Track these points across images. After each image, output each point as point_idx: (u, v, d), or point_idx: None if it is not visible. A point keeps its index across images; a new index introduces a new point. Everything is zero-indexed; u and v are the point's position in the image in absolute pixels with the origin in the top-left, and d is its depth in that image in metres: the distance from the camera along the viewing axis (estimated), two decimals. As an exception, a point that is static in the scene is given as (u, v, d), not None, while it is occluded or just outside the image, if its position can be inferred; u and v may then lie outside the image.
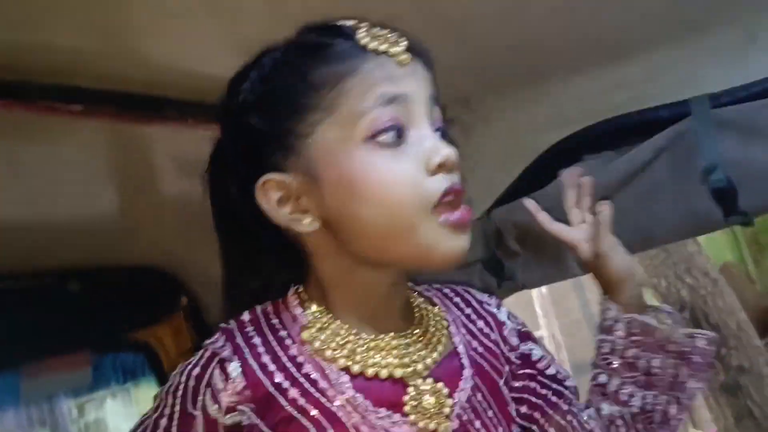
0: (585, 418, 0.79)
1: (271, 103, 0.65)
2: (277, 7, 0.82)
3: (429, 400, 0.66)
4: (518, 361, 0.76)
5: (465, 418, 0.67)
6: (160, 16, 0.80)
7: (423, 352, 0.68)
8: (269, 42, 0.70)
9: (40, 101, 0.76)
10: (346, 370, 0.65)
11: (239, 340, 0.65)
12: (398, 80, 0.63)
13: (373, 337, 0.67)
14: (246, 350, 0.64)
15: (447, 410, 0.66)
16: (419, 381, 0.66)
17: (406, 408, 0.65)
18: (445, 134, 0.66)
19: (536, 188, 1.08)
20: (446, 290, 0.79)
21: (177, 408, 0.65)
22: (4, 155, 0.92)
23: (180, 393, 0.65)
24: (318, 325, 0.66)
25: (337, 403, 0.63)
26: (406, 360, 0.66)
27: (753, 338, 3.22)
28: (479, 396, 0.70)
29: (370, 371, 0.65)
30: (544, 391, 0.77)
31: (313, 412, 0.63)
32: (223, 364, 0.64)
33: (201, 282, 1.59)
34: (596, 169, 1.03)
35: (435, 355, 0.68)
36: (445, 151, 0.62)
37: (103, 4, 0.74)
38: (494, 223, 1.11)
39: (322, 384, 0.64)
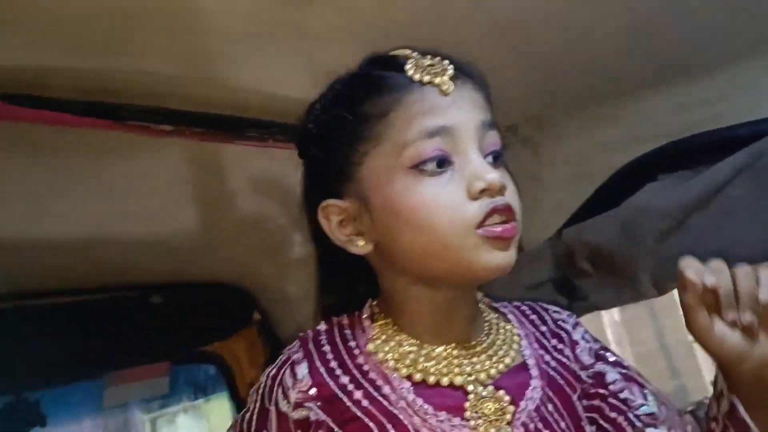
0: None
1: (329, 134, 0.71)
2: (352, 31, 0.85)
3: (490, 406, 0.68)
4: (591, 380, 0.76)
5: (532, 426, 0.68)
6: (240, 42, 0.84)
7: (487, 363, 0.71)
8: (345, 66, 0.73)
9: (132, 121, 0.81)
10: (408, 378, 0.69)
11: (311, 346, 0.72)
12: (443, 111, 0.67)
13: (435, 347, 0.71)
14: (315, 355, 0.71)
15: (508, 417, 0.68)
16: (480, 388, 0.69)
17: (467, 413, 0.67)
18: (499, 158, 0.69)
19: (609, 208, 1.07)
20: (523, 307, 0.82)
21: (257, 404, 0.72)
22: (100, 173, 0.99)
23: (260, 391, 0.72)
24: (384, 337, 0.72)
25: (399, 405, 0.67)
26: (468, 369, 0.70)
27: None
28: (550, 407, 0.71)
29: (432, 379, 0.69)
30: (613, 415, 0.75)
31: (376, 414, 0.67)
32: (293, 366, 0.70)
33: (273, 298, 1.64)
34: (672, 189, 1.02)
35: (501, 366, 0.71)
36: (490, 177, 0.65)
37: (187, 31, 0.79)
38: (565, 243, 1.10)
39: (386, 390, 0.68)
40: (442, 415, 0.67)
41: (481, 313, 0.77)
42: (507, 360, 0.72)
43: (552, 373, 0.74)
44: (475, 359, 0.71)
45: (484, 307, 0.78)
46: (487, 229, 0.65)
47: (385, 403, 0.68)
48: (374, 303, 0.76)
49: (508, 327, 0.77)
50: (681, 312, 0.68)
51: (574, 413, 0.73)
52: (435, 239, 0.66)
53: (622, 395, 0.76)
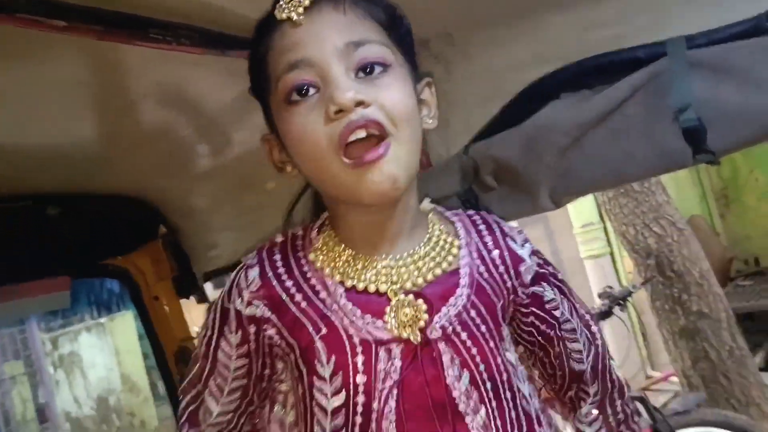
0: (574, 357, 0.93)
1: (251, 74, 0.82)
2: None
3: (406, 312, 0.78)
4: (527, 299, 0.88)
5: (450, 329, 0.78)
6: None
7: (416, 273, 0.80)
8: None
9: (22, 14, 0.75)
10: (341, 284, 0.79)
11: (264, 254, 0.84)
12: (298, 43, 0.73)
13: (368, 258, 0.80)
14: (266, 261, 0.82)
15: (422, 323, 0.78)
16: (402, 296, 0.78)
17: (386, 317, 0.78)
18: (373, 70, 0.72)
19: (515, 124, 1.10)
20: (475, 217, 0.91)
21: (219, 305, 0.84)
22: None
23: (222, 294, 0.84)
24: (325, 248, 0.82)
25: (333, 307, 0.78)
26: (395, 278, 0.79)
27: (714, 286, 3.33)
28: (473, 312, 0.81)
29: (361, 285, 0.79)
30: (545, 328, 0.90)
31: (312, 314, 0.78)
32: (247, 270, 0.82)
33: (180, 211, 1.61)
34: (573, 107, 1.06)
35: (429, 276, 0.80)
36: (339, 95, 0.69)
37: None
38: (472, 158, 1.14)
39: (322, 294, 0.80)
40: (367, 317, 0.77)
41: (422, 223, 0.85)
42: (438, 270, 0.81)
43: (482, 282, 0.83)
44: (403, 269, 0.80)
45: (432, 217, 0.87)
46: (352, 156, 0.70)
47: (321, 305, 0.79)
48: (326, 217, 0.86)
49: (450, 239, 0.85)
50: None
51: (496, 320, 0.83)
52: (312, 168, 0.74)
53: (555, 312, 0.90)
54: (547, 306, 0.89)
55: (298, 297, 0.79)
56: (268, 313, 0.80)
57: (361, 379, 0.76)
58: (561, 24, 1.04)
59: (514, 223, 0.97)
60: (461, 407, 0.77)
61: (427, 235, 0.84)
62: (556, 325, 0.90)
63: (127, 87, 1.13)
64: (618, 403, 0.96)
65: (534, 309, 0.89)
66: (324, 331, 0.77)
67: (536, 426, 0.83)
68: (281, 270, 0.81)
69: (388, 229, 0.80)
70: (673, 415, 2.43)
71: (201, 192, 1.55)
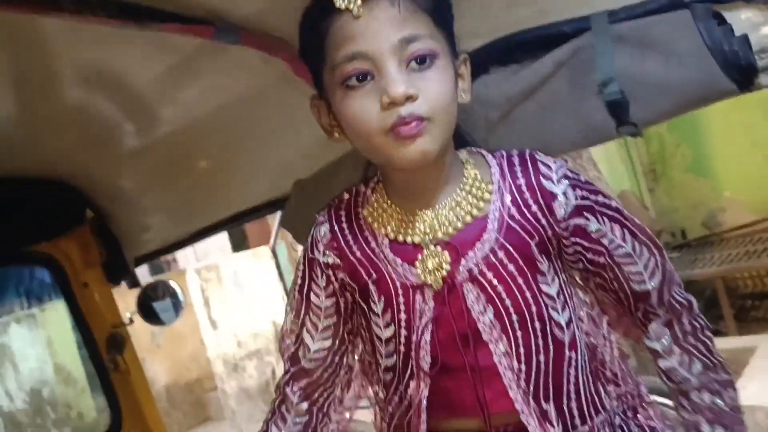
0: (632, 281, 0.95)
1: (304, 45, 0.90)
2: None
3: (431, 261, 0.91)
4: (568, 232, 0.92)
5: (476, 271, 0.90)
6: None
7: (447, 223, 0.91)
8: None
9: None
10: (386, 236, 0.94)
11: (332, 211, 1.00)
12: (358, 36, 0.82)
13: (409, 211, 0.93)
14: (333, 218, 0.99)
15: (444, 272, 0.90)
16: (432, 247, 0.91)
17: (417, 264, 0.92)
18: (424, 62, 0.82)
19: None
20: (515, 157, 0.94)
21: (305, 257, 1.01)
22: None
23: (306, 248, 1.01)
24: (376, 205, 0.96)
25: (380, 256, 0.94)
26: (427, 229, 0.92)
27: (642, 257, 3.45)
28: (501, 254, 0.90)
29: (401, 237, 0.93)
30: (594, 257, 0.94)
31: (365, 262, 0.95)
32: (318, 227, 0.99)
33: (107, 194, 1.56)
34: (502, 81, 1.07)
35: (460, 224, 0.91)
36: (392, 91, 0.80)
37: None
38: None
39: (372, 244, 0.95)
40: (405, 265, 0.92)
41: (459, 174, 0.93)
42: (468, 218, 0.91)
43: (512, 223, 0.91)
44: (436, 221, 0.91)
45: (470, 164, 0.94)
46: (395, 131, 0.81)
47: (371, 254, 0.95)
48: (378, 176, 0.98)
49: (483, 185, 0.92)
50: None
51: (529, 257, 0.91)
52: (363, 141, 0.86)
53: (603, 240, 0.92)
54: (594, 235, 0.92)
55: (355, 248, 0.96)
56: (337, 261, 0.97)
57: (403, 316, 0.93)
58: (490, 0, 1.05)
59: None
60: (485, 336, 0.90)
61: (461, 185, 0.92)
62: (605, 252, 0.93)
63: (46, 64, 1.08)
64: (686, 319, 0.98)
65: (578, 239, 0.92)
66: (374, 276, 0.94)
67: (567, 350, 0.93)
68: (344, 224, 0.98)
69: (424, 185, 0.92)
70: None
71: (129, 173, 1.50)
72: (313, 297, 1.00)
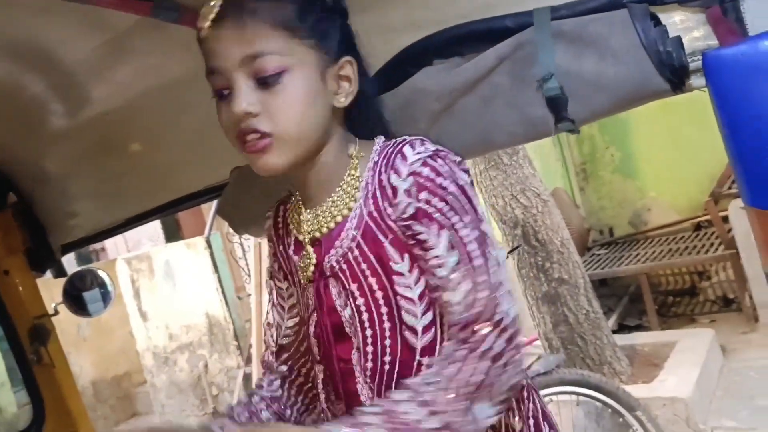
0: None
1: None
2: None
3: (305, 259, 0.97)
4: (405, 232, 0.88)
5: (337, 267, 0.93)
6: None
7: (323, 222, 0.94)
8: None
9: None
10: (294, 234, 1.00)
11: (280, 204, 1.07)
12: (212, 54, 0.88)
13: (302, 210, 0.98)
14: (277, 211, 1.07)
15: (311, 268, 0.96)
16: (307, 246, 0.97)
17: (299, 262, 0.99)
18: (265, 81, 0.85)
19: (390, 89, 1.10)
20: (391, 151, 0.90)
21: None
22: None
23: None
24: (294, 202, 1.01)
25: (290, 253, 1.02)
26: (309, 228, 0.97)
27: (573, 254, 3.56)
28: (356, 252, 0.91)
29: (300, 237, 0.98)
30: (424, 267, 0.88)
31: (284, 256, 1.04)
32: (267, 218, 1.08)
33: (33, 178, 1.48)
34: (444, 73, 1.08)
35: (332, 223, 0.93)
36: (234, 110, 0.86)
37: None
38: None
39: (287, 240, 1.03)
40: (296, 260, 0.99)
41: (341, 173, 0.93)
42: (339, 218, 0.93)
43: (370, 222, 0.90)
44: (315, 220, 0.96)
45: (360, 161, 0.93)
46: (244, 144, 0.87)
47: (284, 250, 1.04)
48: None
49: (355, 183, 0.92)
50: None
51: (382, 254, 0.90)
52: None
53: (430, 253, 0.86)
54: (425, 245, 0.86)
55: (279, 243, 1.05)
56: (276, 251, 1.06)
57: (302, 308, 1.02)
58: (433, -9, 1.05)
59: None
60: (348, 330, 0.94)
61: (341, 184, 0.93)
62: (432, 269, 0.87)
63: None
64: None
65: (413, 244, 0.88)
66: (288, 270, 1.05)
67: (418, 355, 0.90)
68: (279, 219, 1.05)
69: (306, 185, 0.96)
70: (536, 376, 2.58)
71: (57, 156, 1.43)
72: (276, 281, 1.09)
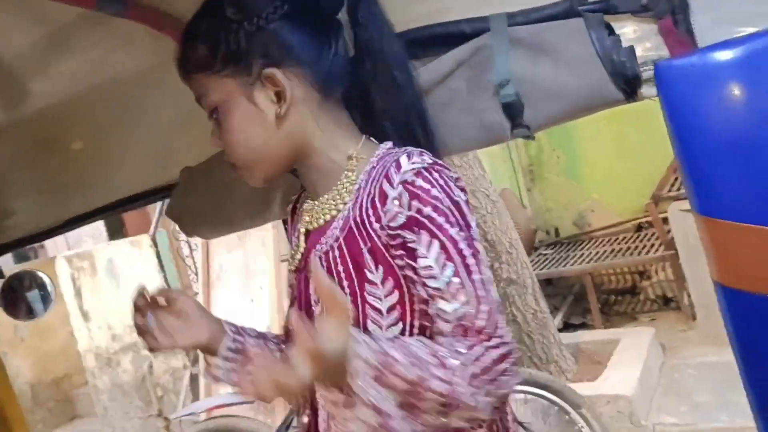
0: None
1: None
2: None
3: (297, 248, 0.99)
4: (393, 241, 0.85)
5: (319, 263, 0.92)
6: None
7: (317, 215, 0.96)
8: None
9: None
10: (299, 221, 1.02)
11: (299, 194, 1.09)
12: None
13: (305, 202, 1.00)
14: (298, 198, 1.08)
15: (299, 257, 0.98)
16: (301, 235, 0.99)
17: (292, 249, 1.01)
18: (213, 114, 0.94)
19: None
20: (387, 158, 0.89)
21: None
22: None
23: None
24: (304, 195, 1.04)
25: (293, 239, 1.05)
26: (307, 219, 0.98)
27: (522, 254, 3.61)
28: (336, 253, 0.91)
29: (299, 225, 1.01)
30: (414, 277, 0.85)
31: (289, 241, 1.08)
32: (289, 203, 1.12)
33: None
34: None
35: (327, 217, 0.94)
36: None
37: None
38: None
39: (295, 227, 1.04)
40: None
41: (339, 171, 0.93)
42: (327, 216, 0.94)
43: (353, 226, 0.89)
44: (312, 213, 0.97)
45: (357, 163, 0.92)
46: None
47: (292, 237, 1.06)
48: None
49: (349, 185, 0.92)
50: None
51: (359, 260, 0.88)
52: None
53: (420, 262, 0.83)
54: (415, 254, 0.83)
55: (292, 228, 1.07)
56: (288, 234, 1.11)
57: (295, 293, 1.01)
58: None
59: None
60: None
61: (338, 182, 0.94)
62: (420, 280, 0.84)
63: None
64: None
65: (403, 255, 0.85)
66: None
67: None
68: (297, 206, 1.07)
69: (307, 181, 0.99)
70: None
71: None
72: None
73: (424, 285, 0.83)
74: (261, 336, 1.11)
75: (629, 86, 0.94)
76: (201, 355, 1.09)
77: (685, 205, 3.76)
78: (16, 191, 1.45)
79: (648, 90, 0.96)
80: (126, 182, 1.43)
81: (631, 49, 0.93)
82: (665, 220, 4.33)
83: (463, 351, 0.80)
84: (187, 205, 1.34)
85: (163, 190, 1.44)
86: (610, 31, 0.94)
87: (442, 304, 0.83)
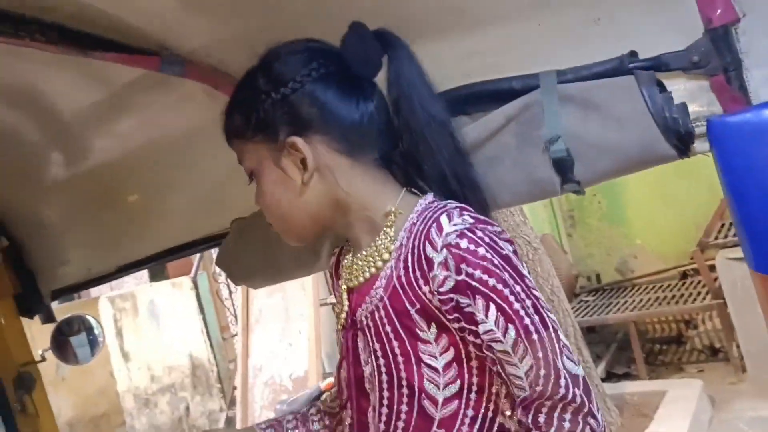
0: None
1: None
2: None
3: (340, 306, 0.99)
4: (445, 305, 0.83)
5: (365, 323, 0.93)
6: None
7: (358, 272, 0.95)
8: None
9: None
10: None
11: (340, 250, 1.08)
12: None
13: (347, 257, 1.01)
14: (341, 250, 1.07)
15: (344, 315, 0.98)
16: (344, 293, 0.98)
17: (337, 307, 1.01)
18: (251, 176, 0.97)
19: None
20: (429, 215, 0.88)
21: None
22: None
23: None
24: (347, 248, 1.03)
25: (336, 293, 1.04)
26: (348, 276, 0.98)
27: (563, 301, 3.56)
28: (382, 312, 0.90)
29: (340, 281, 1.02)
30: (470, 337, 0.84)
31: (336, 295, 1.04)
32: (332, 256, 1.11)
33: (27, 225, 1.46)
34: (451, 132, 1.08)
35: (367, 275, 0.93)
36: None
37: None
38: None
39: (338, 282, 1.04)
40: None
41: (379, 226, 0.93)
42: (367, 274, 0.93)
43: (398, 286, 0.88)
44: (353, 269, 0.96)
45: (398, 218, 0.92)
46: None
47: (336, 291, 1.04)
48: None
49: (388, 242, 0.91)
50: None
51: (407, 322, 0.88)
52: None
53: (481, 327, 0.82)
54: (465, 310, 0.82)
55: (336, 282, 1.05)
56: (333, 289, 1.08)
57: (343, 352, 1.00)
58: (441, 51, 1.06)
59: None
60: (367, 386, 0.93)
61: (377, 238, 0.93)
62: (476, 332, 0.83)
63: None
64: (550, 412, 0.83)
65: (458, 316, 0.83)
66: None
67: (435, 427, 0.88)
68: (341, 258, 1.05)
69: (349, 234, 1.00)
70: None
71: (52, 204, 1.41)
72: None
73: (491, 349, 0.83)
74: (302, 418, 1.15)
75: (682, 142, 0.93)
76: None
77: (733, 253, 3.68)
78: (73, 241, 1.50)
79: (700, 146, 0.95)
80: (177, 232, 1.46)
81: (684, 106, 0.93)
82: (712, 268, 4.23)
83: None
84: (236, 255, 1.36)
85: (212, 239, 1.47)
86: (662, 88, 0.94)
87: (511, 369, 0.82)
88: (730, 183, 0.90)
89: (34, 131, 1.17)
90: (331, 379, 3.29)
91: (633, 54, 0.96)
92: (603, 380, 3.95)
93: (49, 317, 1.63)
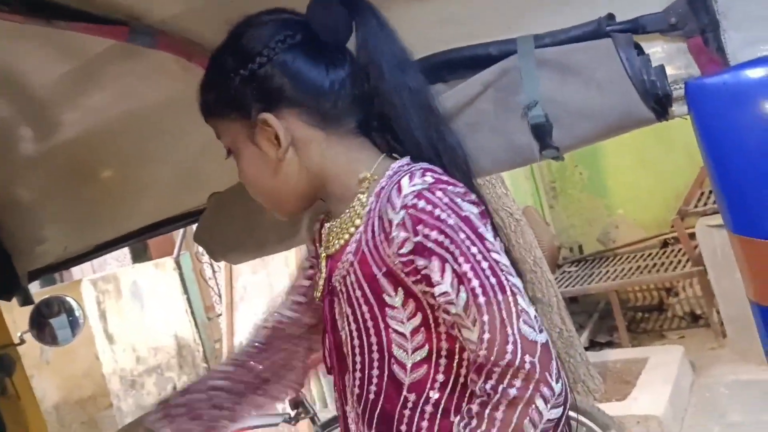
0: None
1: None
2: None
3: (319, 272, 0.99)
4: (403, 266, 0.84)
5: (338, 288, 0.93)
6: None
7: (334, 238, 0.95)
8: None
9: None
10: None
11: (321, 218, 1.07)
12: None
13: (325, 224, 1.00)
14: (319, 221, 1.06)
15: (321, 283, 0.98)
16: (323, 259, 0.98)
17: (316, 274, 1.02)
18: (229, 152, 0.98)
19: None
20: (395, 177, 0.87)
21: None
22: None
23: None
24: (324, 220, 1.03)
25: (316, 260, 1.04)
26: (326, 241, 0.98)
27: (546, 272, 3.58)
28: (352, 278, 0.90)
29: (320, 248, 1.02)
30: (435, 303, 0.84)
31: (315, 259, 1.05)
32: (315, 222, 1.09)
33: (1, 204, 1.43)
34: (428, 100, 1.07)
35: (342, 241, 0.93)
36: None
37: None
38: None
39: (319, 248, 1.03)
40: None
41: (353, 194, 0.93)
42: (341, 240, 0.93)
43: (366, 250, 0.89)
44: (330, 235, 0.96)
45: (368, 181, 0.92)
46: None
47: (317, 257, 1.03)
48: None
49: (359, 210, 0.91)
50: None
51: (375, 285, 0.88)
52: None
53: (437, 289, 0.81)
54: (432, 280, 0.81)
55: (318, 249, 1.03)
56: (315, 253, 1.07)
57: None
58: (417, 18, 1.05)
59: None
60: (345, 350, 0.94)
61: (351, 205, 0.93)
62: (439, 305, 0.83)
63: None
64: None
65: (416, 278, 0.83)
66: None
67: (405, 391, 0.88)
68: (322, 226, 1.02)
69: (327, 201, 0.99)
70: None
71: (25, 181, 1.38)
72: (301, 277, 1.16)
73: (446, 311, 0.82)
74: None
75: (660, 105, 0.93)
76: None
77: (713, 220, 3.71)
78: (48, 218, 1.48)
79: (679, 109, 0.95)
80: (154, 208, 1.44)
81: (662, 68, 0.92)
82: (692, 236, 4.27)
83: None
84: (214, 230, 1.35)
85: (191, 215, 1.45)
86: (640, 50, 0.94)
87: (465, 333, 0.81)
88: (708, 145, 0.90)
89: (2, 107, 1.14)
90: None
91: (610, 17, 0.95)
92: (586, 349, 4.00)
93: (27, 299, 1.61)
